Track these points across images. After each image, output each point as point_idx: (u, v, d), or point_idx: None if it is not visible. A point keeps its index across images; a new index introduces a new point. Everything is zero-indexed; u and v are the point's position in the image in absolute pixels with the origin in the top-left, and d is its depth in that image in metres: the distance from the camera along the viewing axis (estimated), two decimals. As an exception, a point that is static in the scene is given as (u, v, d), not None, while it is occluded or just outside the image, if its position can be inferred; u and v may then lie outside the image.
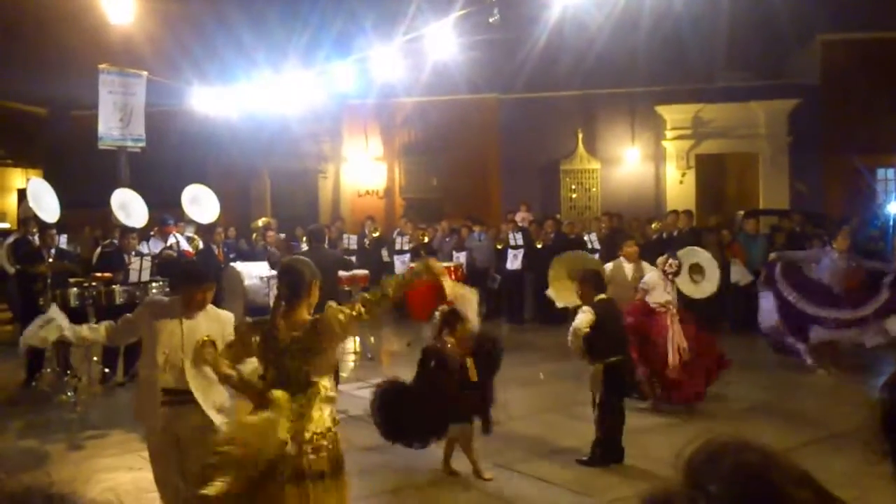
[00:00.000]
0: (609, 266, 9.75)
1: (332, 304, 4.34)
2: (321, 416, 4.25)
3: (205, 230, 13.59)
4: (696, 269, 10.05)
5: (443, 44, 12.09)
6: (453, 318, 6.69)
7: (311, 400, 4.22)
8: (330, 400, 4.34)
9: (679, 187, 20.30)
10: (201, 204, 12.69)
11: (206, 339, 4.84)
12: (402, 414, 6.91)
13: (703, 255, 10.30)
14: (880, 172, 19.92)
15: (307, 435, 4.15)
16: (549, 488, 6.71)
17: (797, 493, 0.95)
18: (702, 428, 7.42)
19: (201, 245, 12.94)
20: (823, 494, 0.98)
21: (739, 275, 14.15)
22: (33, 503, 1.08)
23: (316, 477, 4.15)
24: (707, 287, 10.06)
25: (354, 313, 4.25)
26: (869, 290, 10.92)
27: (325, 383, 4.33)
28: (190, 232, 13.27)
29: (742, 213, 17.02)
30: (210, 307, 5.18)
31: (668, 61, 19.95)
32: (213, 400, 5.06)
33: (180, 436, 5.00)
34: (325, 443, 4.23)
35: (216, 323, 5.11)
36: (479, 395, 6.83)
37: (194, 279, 5.15)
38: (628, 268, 9.79)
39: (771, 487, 0.94)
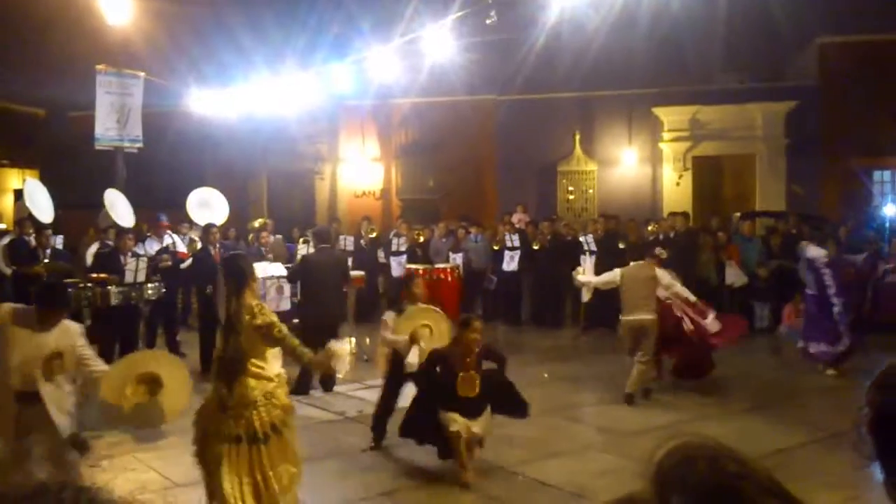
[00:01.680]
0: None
1: (262, 307, 5.10)
2: (246, 390, 4.94)
3: (201, 231, 13.59)
4: None
5: (440, 45, 12.10)
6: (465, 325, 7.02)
7: (238, 375, 4.95)
8: (257, 377, 4.98)
9: (676, 189, 20.31)
10: (212, 207, 12.73)
11: (54, 352, 5.34)
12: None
13: None
14: (877, 175, 19.93)
15: (231, 403, 4.93)
16: (546, 490, 6.70)
17: (767, 502, 0.92)
18: (699, 430, 7.42)
19: (199, 246, 12.93)
20: (794, 503, 0.96)
21: (734, 276, 14.18)
22: (66, 498, 1.08)
23: (233, 440, 4.88)
24: None
25: (270, 329, 4.97)
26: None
27: (258, 362, 5.01)
28: (194, 235, 13.25)
29: (738, 214, 17.03)
30: (63, 322, 5.54)
31: (665, 63, 19.96)
32: (61, 406, 5.49)
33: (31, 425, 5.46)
34: (245, 413, 4.92)
35: (66, 336, 5.50)
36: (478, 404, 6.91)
37: (47, 303, 5.48)
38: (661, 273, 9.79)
39: (740, 498, 0.91)
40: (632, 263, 9.56)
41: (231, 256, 5.71)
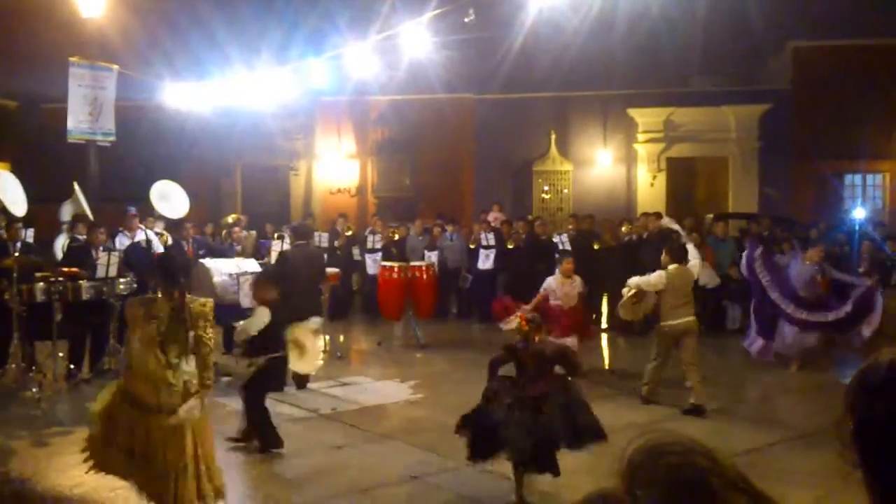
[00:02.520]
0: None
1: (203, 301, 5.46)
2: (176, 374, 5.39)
3: (174, 226, 13.46)
4: None
5: (418, 42, 12.07)
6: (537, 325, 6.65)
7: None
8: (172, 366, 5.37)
9: (650, 190, 20.43)
10: (170, 200, 12.55)
11: None
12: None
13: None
14: (848, 178, 20.18)
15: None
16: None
17: (734, 498, 0.93)
18: (672, 429, 7.46)
19: (170, 241, 12.81)
20: (761, 498, 0.97)
21: (707, 277, 14.26)
22: None
23: (155, 410, 5.30)
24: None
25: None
26: (833, 299, 11.14)
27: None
28: (159, 228, 13.13)
29: (711, 216, 17.15)
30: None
31: (641, 65, 20.08)
32: None
33: None
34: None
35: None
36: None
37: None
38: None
39: (708, 493, 0.92)
40: (671, 267, 9.29)
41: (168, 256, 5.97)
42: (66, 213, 12.94)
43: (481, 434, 6.28)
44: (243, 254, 13.43)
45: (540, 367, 6.49)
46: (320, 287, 11.38)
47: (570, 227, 15.72)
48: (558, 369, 6.61)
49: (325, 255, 13.53)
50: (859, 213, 16.68)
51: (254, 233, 16.05)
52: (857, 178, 20.22)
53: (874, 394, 1.37)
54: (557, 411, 6.22)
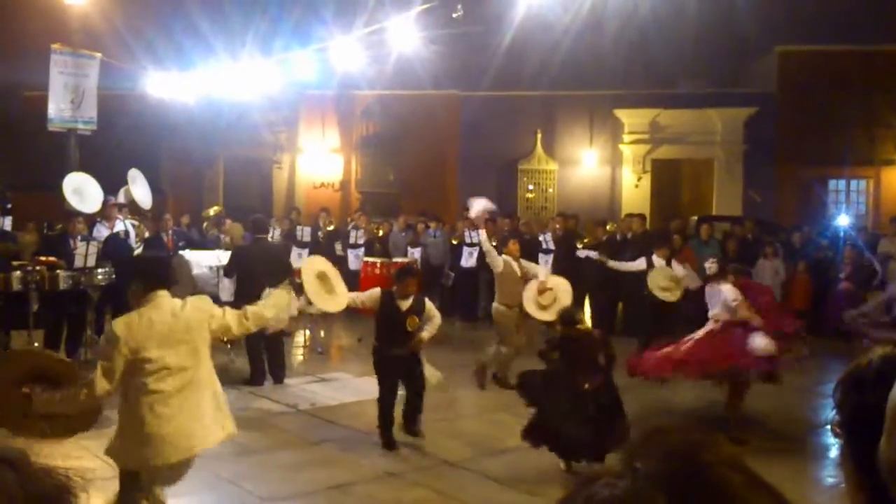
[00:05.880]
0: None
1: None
2: None
3: (154, 218, 13.32)
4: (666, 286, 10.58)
5: (404, 37, 11.99)
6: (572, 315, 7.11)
7: None
8: None
9: (634, 191, 20.44)
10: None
11: None
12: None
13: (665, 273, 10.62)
14: (832, 183, 20.25)
15: None
16: (495, 487, 6.67)
17: (727, 473, 0.94)
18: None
19: (147, 233, 12.65)
20: (754, 478, 0.97)
21: (689, 280, 14.27)
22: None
23: None
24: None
25: None
26: None
27: None
28: (133, 220, 12.92)
29: (695, 218, 17.17)
30: None
31: (629, 65, 20.09)
32: None
33: None
34: None
35: None
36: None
37: None
38: (515, 265, 10.13)
39: (701, 467, 0.93)
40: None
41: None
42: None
43: (542, 420, 6.74)
44: (231, 246, 13.27)
45: (589, 359, 6.87)
46: (300, 281, 11.27)
47: (557, 226, 15.72)
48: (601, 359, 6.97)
49: (307, 250, 13.45)
50: (843, 220, 16.74)
51: (239, 225, 15.91)
52: (841, 184, 20.29)
53: (867, 386, 1.41)
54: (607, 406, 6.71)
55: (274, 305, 5.47)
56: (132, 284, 4.97)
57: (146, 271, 5.09)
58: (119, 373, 4.63)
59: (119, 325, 4.73)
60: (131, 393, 4.73)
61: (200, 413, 4.83)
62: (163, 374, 4.70)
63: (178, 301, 4.92)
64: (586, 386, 6.65)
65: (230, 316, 5.12)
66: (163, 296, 4.84)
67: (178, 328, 4.77)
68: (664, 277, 11.05)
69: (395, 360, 7.45)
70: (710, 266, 9.24)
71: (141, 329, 4.67)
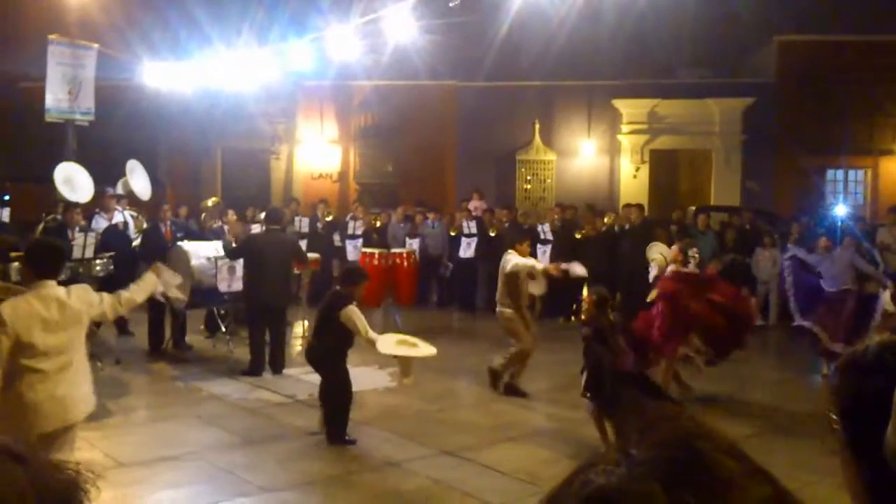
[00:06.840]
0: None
1: None
2: None
3: (152, 208, 13.30)
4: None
5: (401, 26, 11.94)
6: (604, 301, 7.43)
7: None
8: None
9: (633, 181, 20.42)
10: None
11: None
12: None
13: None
14: (830, 173, 20.24)
15: None
16: (496, 476, 6.68)
17: (723, 460, 0.94)
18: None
19: (146, 224, 12.63)
20: (751, 466, 0.97)
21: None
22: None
23: None
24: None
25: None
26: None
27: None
28: (133, 211, 12.92)
29: (693, 208, 17.17)
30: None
31: (627, 55, 20.04)
32: None
33: None
34: None
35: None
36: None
37: None
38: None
39: (697, 455, 0.93)
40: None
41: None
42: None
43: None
44: (233, 237, 13.24)
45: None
46: (299, 273, 11.28)
47: (556, 216, 15.73)
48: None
49: (305, 241, 13.46)
50: (841, 210, 16.73)
51: (241, 223, 15.88)
52: (840, 174, 20.29)
53: (865, 372, 1.41)
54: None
55: (143, 290, 5.77)
56: (23, 266, 5.26)
57: (38, 258, 5.13)
58: (5, 353, 4.77)
59: (6, 308, 4.85)
60: (15, 372, 4.88)
61: (76, 389, 5.10)
62: (43, 357, 4.88)
63: (62, 290, 5.03)
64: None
65: (107, 304, 5.37)
66: (50, 286, 4.96)
67: (63, 316, 4.93)
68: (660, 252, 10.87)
69: None
70: (694, 256, 9.47)
71: (26, 314, 4.82)
